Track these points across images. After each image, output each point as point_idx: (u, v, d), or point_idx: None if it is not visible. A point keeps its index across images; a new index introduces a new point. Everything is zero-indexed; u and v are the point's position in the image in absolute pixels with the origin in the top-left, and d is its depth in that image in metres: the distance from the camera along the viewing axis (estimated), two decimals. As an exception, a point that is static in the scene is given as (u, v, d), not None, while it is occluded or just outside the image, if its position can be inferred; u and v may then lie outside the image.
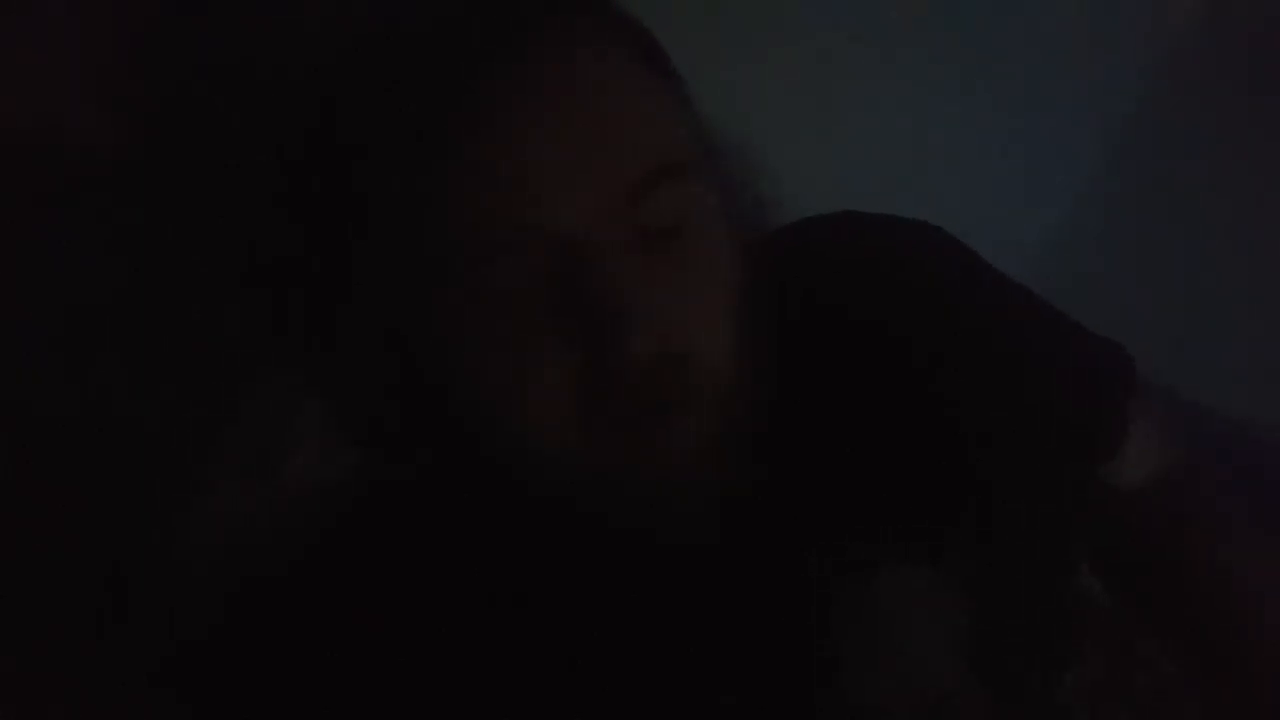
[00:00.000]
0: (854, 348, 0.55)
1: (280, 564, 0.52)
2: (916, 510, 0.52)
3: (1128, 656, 0.58)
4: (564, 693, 0.49)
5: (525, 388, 0.47)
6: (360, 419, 0.54)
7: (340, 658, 0.49)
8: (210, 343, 0.54)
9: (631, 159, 0.47)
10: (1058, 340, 0.57)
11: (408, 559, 0.51)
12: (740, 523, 0.50)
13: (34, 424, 0.51)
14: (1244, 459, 0.67)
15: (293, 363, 0.55)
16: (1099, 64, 1.00)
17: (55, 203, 0.51)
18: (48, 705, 0.51)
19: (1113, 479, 0.57)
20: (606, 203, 0.46)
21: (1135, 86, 1.03)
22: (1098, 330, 0.58)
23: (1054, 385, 0.55)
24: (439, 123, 0.46)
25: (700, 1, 0.75)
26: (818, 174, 0.76)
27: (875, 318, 0.55)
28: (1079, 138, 1.04)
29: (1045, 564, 0.55)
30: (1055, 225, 1.05)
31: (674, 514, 0.48)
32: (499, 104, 0.46)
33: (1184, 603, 0.57)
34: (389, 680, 0.49)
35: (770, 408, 0.50)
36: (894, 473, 0.53)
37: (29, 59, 0.50)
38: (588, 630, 0.50)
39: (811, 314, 0.55)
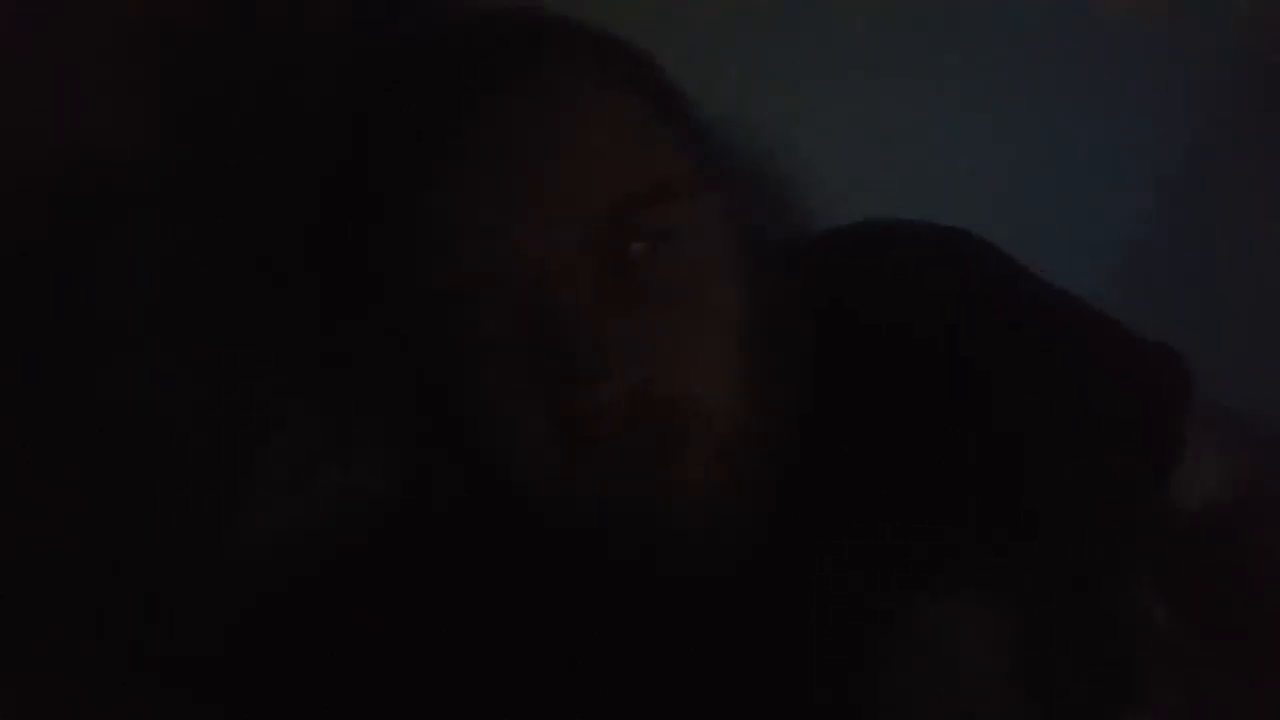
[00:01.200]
0: (893, 359, 0.53)
1: (306, 577, 0.51)
2: (962, 530, 0.50)
3: (1193, 689, 0.55)
4: None
5: (509, 435, 0.46)
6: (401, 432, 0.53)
7: (353, 674, 0.48)
8: (245, 352, 0.54)
9: (601, 192, 0.45)
10: (1109, 348, 0.55)
11: (431, 579, 0.50)
12: (771, 545, 0.48)
13: (68, 427, 0.51)
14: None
15: (327, 376, 0.55)
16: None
17: (93, 211, 0.52)
18: (48, 705, 0.51)
19: (1174, 495, 0.54)
20: (575, 239, 0.44)
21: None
22: (1157, 338, 0.56)
23: (1107, 394, 0.53)
24: (407, 169, 0.46)
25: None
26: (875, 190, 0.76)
27: (915, 328, 0.53)
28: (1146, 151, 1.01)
29: (1101, 585, 0.52)
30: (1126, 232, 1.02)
31: (684, 555, 0.46)
32: (461, 149, 0.45)
33: (1254, 627, 0.54)
34: (402, 701, 0.48)
35: (803, 431, 0.48)
36: (938, 490, 0.51)
37: (67, 74, 0.51)
38: (604, 667, 0.48)
39: (847, 327, 0.53)
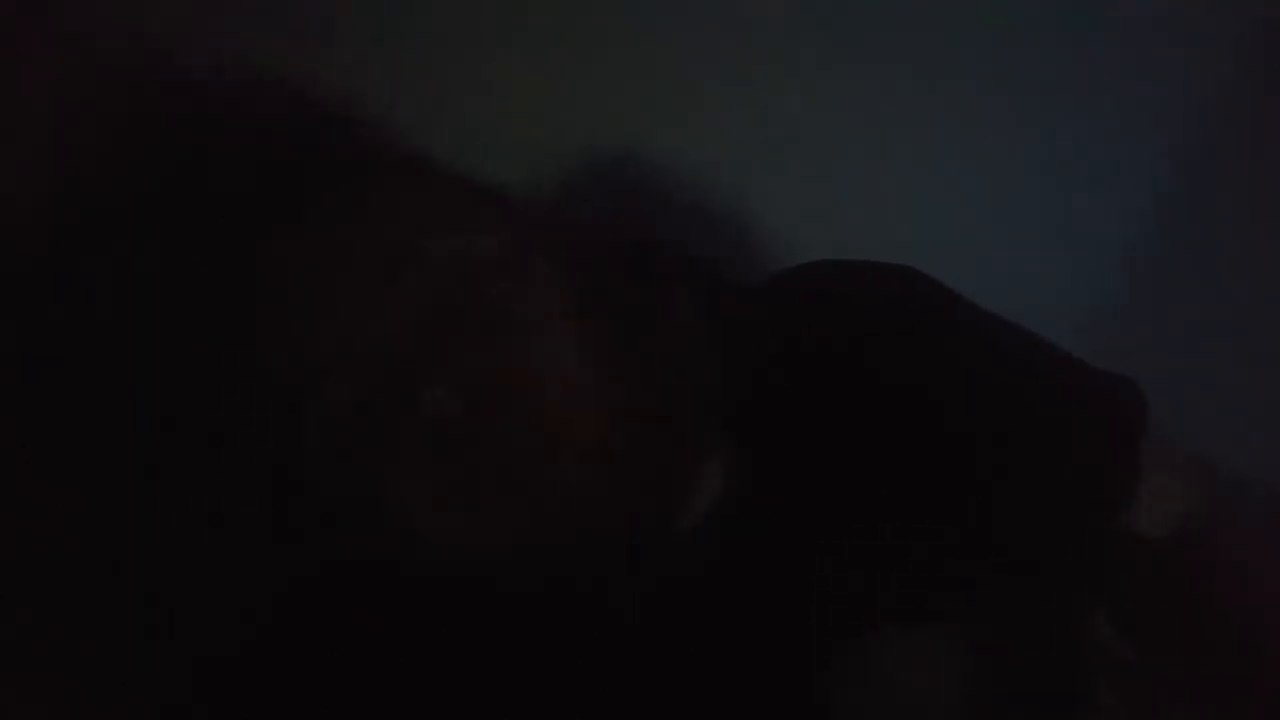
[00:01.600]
0: (844, 396, 0.54)
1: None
2: (915, 561, 0.51)
3: (1148, 714, 0.54)
4: None
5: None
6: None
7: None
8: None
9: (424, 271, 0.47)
10: (1061, 378, 0.55)
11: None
12: (723, 578, 0.49)
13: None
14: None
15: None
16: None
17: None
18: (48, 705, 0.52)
19: (1131, 525, 0.54)
20: (409, 311, 0.46)
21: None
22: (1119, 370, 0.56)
23: (1060, 424, 0.53)
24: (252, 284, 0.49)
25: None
26: (860, 226, 0.77)
27: (866, 364, 0.54)
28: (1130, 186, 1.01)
29: (1056, 614, 0.53)
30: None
31: (572, 560, 0.47)
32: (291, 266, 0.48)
33: (1212, 658, 0.54)
34: None
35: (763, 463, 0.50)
36: (890, 522, 0.51)
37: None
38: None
39: (799, 364, 0.54)
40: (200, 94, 0.55)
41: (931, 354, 0.55)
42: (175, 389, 0.52)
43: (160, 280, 0.54)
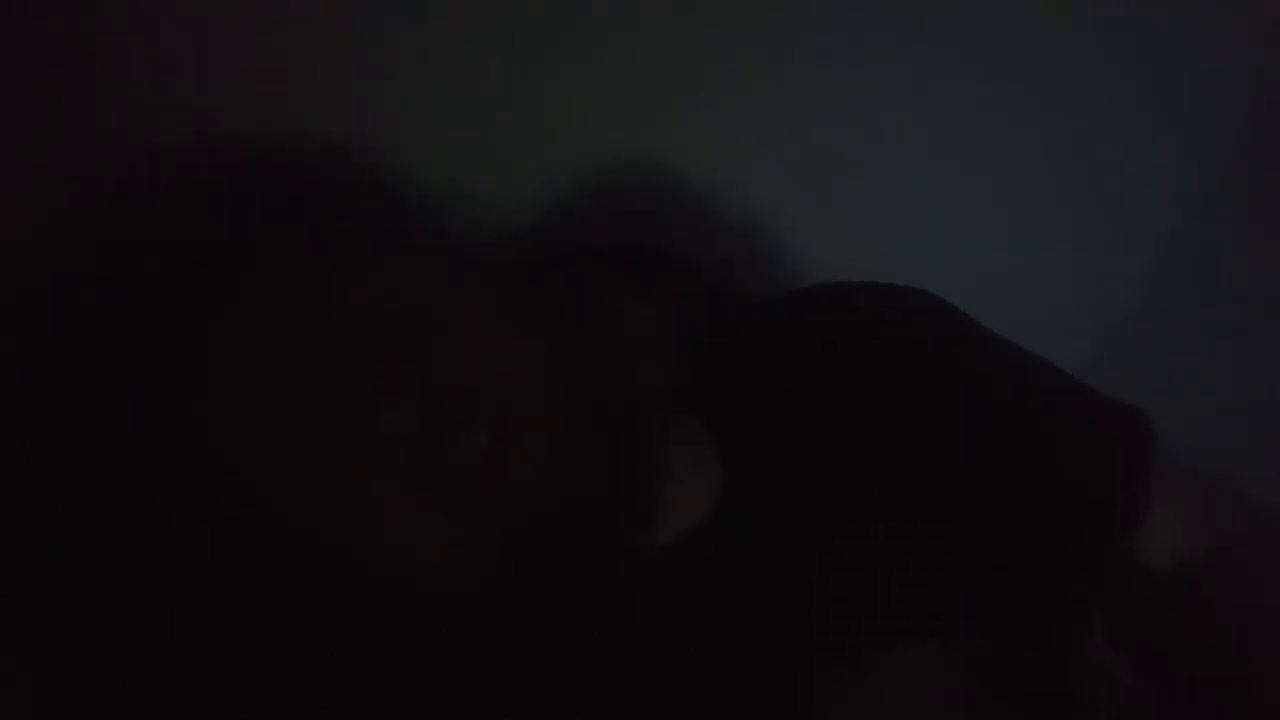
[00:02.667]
0: (851, 416, 0.54)
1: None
2: (914, 579, 0.50)
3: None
4: None
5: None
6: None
7: None
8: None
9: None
10: (1070, 406, 0.55)
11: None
12: (717, 592, 0.50)
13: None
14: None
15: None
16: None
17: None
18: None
19: (1139, 554, 0.54)
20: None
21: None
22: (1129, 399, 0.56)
23: (1067, 451, 0.53)
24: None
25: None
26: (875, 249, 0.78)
27: (875, 386, 0.54)
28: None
29: (1055, 636, 0.53)
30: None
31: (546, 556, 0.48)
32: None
33: (1215, 686, 0.54)
34: None
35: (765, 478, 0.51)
36: (890, 540, 0.51)
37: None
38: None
39: (808, 381, 0.54)
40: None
41: (942, 378, 0.55)
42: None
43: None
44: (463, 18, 0.61)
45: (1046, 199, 0.92)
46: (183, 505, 0.50)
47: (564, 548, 0.48)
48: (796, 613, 0.50)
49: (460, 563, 0.47)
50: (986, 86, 0.82)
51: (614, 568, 0.50)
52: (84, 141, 0.54)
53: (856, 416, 0.54)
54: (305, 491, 0.46)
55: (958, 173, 0.86)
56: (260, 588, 0.51)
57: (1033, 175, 0.90)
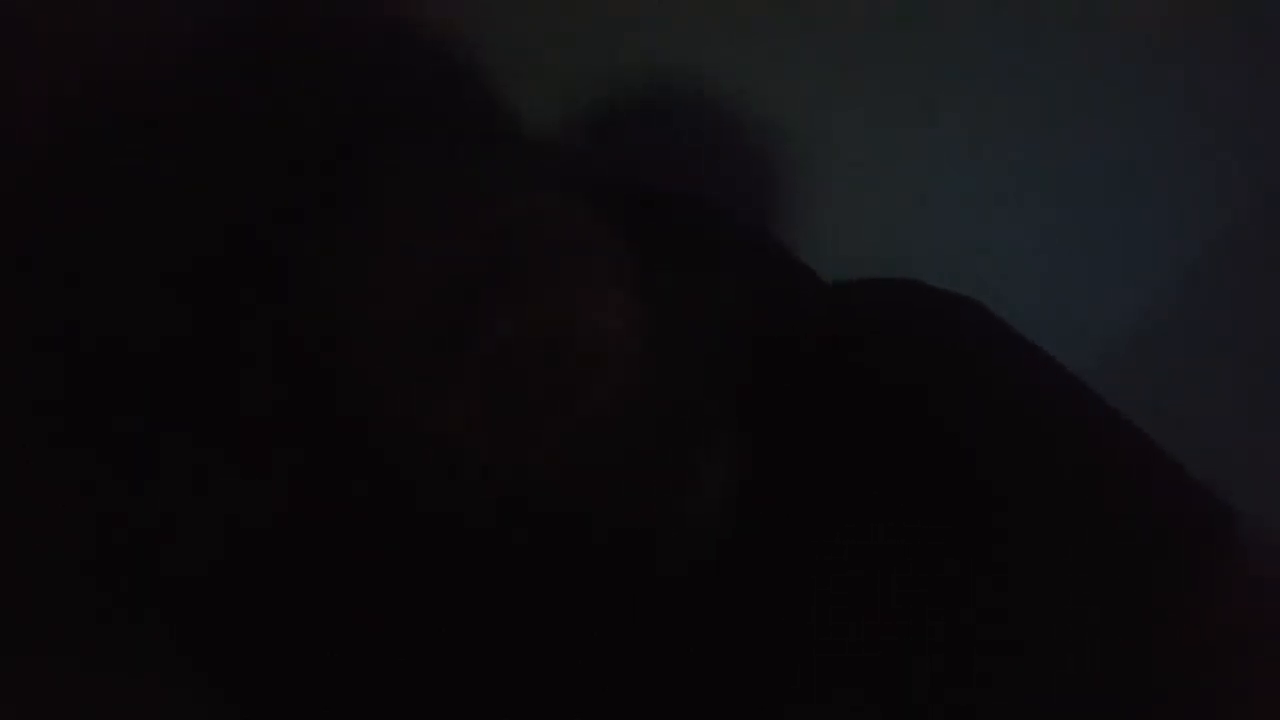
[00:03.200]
0: (883, 424, 0.51)
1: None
2: (914, 583, 0.47)
3: None
4: None
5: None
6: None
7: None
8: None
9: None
10: (1130, 459, 0.49)
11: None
12: (721, 579, 0.50)
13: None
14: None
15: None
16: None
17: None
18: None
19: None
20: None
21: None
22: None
23: (1116, 507, 0.46)
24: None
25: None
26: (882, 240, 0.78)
27: (917, 397, 0.51)
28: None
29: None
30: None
31: (611, 501, 0.50)
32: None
33: None
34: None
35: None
36: (891, 543, 0.48)
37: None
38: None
39: (843, 381, 0.53)
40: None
41: (986, 400, 0.51)
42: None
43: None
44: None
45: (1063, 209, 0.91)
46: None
47: (614, 500, 0.50)
48: (789, 610, 0.48)
49: (512, 463, 0.49)
50: (996, 90, 0.82)
51: (649, 533, 0.51)
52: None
53: (887, 427, 0.51)
54: (395, 386, 0.49)
55: (969, 175, 0.86)
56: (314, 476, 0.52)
57: (1047, 186, 0.89)
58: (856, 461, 0.51)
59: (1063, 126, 0.86)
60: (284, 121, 0.58)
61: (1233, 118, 0.93)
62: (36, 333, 0.54)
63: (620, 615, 0.50)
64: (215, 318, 0.54)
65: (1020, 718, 0.44)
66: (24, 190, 0.53)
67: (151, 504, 0.54)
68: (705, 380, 0.53)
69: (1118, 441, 0.49)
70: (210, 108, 0.57)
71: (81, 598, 0.54)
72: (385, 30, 0.60)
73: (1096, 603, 0.44)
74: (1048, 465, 0.48)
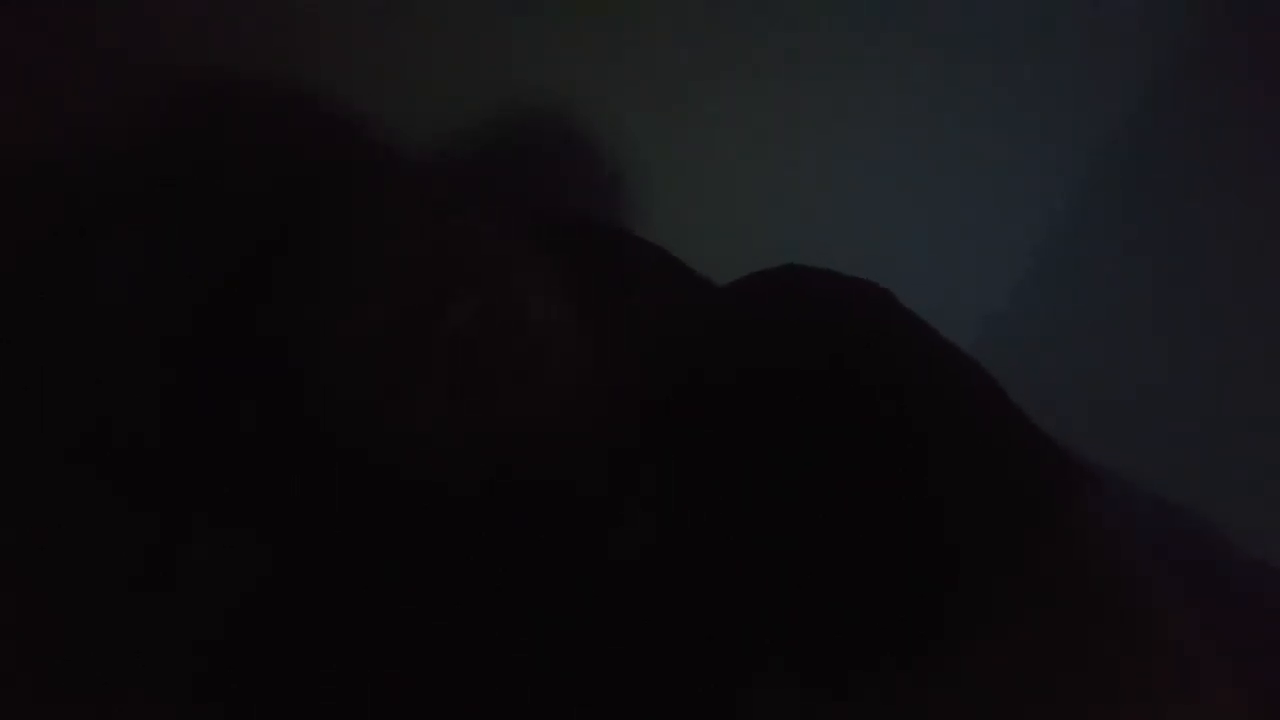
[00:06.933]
0: (795, 411, 0.53)
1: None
2: (835, 615, 0.48)
3: None
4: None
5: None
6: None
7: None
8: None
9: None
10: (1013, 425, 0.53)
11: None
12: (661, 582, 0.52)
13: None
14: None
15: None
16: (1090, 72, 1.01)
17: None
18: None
19: None
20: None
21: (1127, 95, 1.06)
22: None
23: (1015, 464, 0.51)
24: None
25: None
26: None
27: (822, 384, 0.53)
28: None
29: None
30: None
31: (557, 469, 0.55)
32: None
33: None
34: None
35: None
36: (811, 563, 0.49)
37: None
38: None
39: (749, 374, 0.55)
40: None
41: (892, 383, 0.53)
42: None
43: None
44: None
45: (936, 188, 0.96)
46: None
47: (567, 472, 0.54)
48: (729, 611, 0.50)
49: (470, 443, 0.54)
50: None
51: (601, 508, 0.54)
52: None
53: (800, 414, 0.53)
54: (368, 363, 0.53)
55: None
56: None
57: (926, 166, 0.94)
58: (777, 444, 0.52)
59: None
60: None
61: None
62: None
63: (577, 596, 0.53)
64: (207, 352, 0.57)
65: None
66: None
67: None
68: (636, 372, 0.57)
69: (1002, 410, 0.54)
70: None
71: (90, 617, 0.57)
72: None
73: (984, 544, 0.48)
74: (949, 427, 0.51)
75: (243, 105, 0.61)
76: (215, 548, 0.58)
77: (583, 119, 0.74)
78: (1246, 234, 1.04)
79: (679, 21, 0.75)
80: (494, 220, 0.59)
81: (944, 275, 0.98)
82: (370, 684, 0.54)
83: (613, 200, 0.78)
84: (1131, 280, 1.06)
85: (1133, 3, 0.99)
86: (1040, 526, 0.49)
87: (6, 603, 0.56)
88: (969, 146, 0.97)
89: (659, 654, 0.51)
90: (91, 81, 0.55)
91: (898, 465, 0.50)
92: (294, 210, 0.60)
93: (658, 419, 0.56)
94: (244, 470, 0.57)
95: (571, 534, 0.54)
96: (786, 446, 0.53)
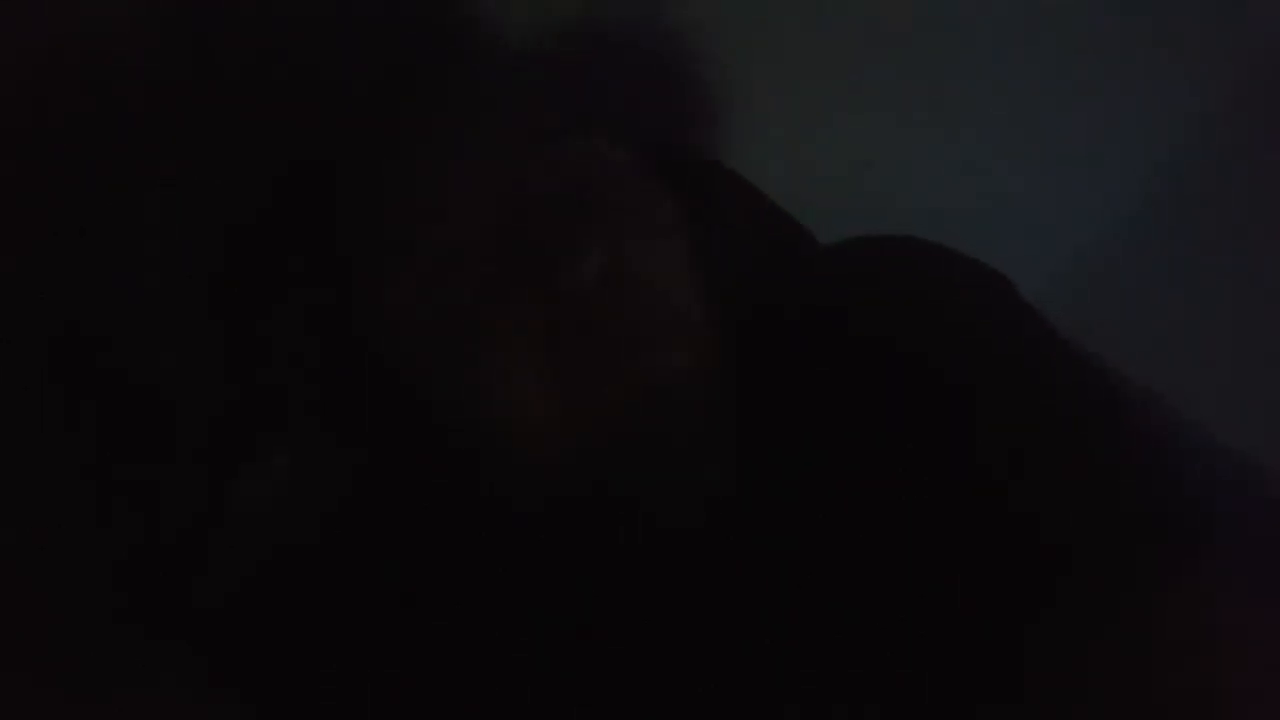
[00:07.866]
0: (901, 402, 0.48)
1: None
2: (905, 627, 0.44)
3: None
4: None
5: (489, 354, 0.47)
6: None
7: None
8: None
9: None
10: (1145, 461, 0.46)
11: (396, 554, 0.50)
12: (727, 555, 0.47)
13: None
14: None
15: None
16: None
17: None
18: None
19: None
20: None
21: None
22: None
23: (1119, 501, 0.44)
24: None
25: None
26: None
27: (930, 366, 0.48)
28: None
29: None
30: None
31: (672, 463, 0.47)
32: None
33: None
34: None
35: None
36: (890, 554, 0.45)
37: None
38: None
39: (851, 342, 0.51)
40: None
41: (1003, 373, 0.48)
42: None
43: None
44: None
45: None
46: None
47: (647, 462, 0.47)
48: (786, 578, 0.47)
49: (559, 438, 0.46)
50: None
51: (679, 494, 0.48)
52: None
53: (916, 406, 0.48)
54: (442, 337, 0.46)
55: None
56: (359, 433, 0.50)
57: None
58: (850, 429, 0.48)
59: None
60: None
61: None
62: (54, 349, 0.51)
63: (637, 581, 0.47)
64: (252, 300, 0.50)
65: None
66: (29, 195, 0.50)
67: (181, 525, 0.52)
68: (734, 332, 0.50)
69: (1124, 429, 0.47)
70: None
71: (104, 618, 0.52)
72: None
73: (1089, 596, 0.42)
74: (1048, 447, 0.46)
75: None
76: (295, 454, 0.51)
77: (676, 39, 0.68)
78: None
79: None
80: (620, 150, 0.51)
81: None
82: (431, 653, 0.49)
83: (706, 132, 0.72)
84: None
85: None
86: (1146, 594, 0.41)
87: (6, 603, 0.51)
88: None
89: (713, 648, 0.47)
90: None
91: (997, 468, 0.45)
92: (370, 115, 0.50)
93: (753, 389, 0.50)
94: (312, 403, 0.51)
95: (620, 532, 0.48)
96: (884, 433, 0.48)
